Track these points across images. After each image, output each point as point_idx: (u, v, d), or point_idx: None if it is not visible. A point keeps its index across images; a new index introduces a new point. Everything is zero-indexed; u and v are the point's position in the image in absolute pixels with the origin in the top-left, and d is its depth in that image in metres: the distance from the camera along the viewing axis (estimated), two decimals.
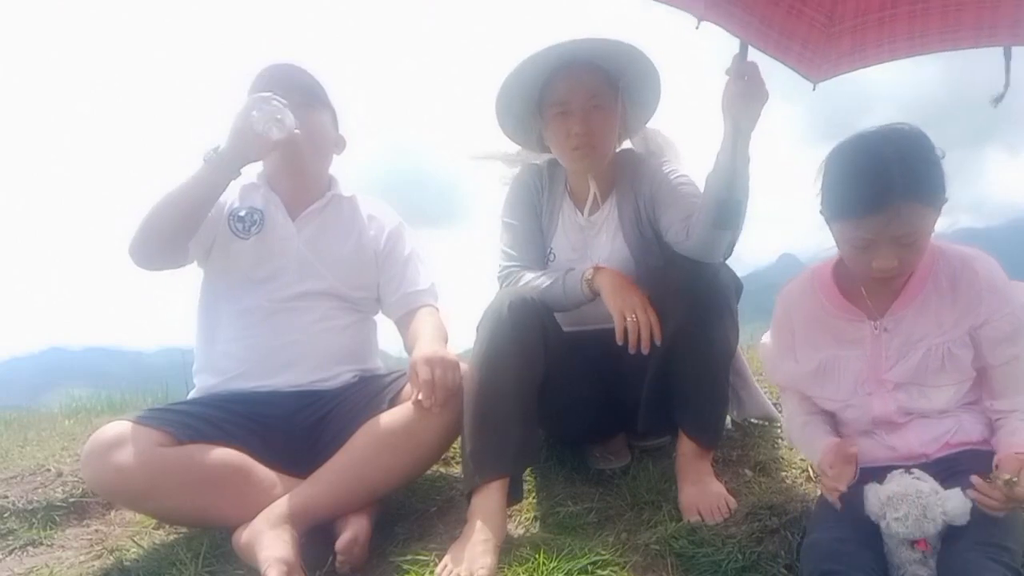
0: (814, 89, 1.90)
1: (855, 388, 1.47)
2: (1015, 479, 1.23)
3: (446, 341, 1.91)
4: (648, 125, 2.04)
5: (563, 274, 1.82)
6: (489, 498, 1.60)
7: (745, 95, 1.53)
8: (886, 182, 1.28)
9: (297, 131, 1.80)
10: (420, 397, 1.69)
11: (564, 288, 1.80)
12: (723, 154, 1.60)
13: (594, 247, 1.95)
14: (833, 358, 1.49)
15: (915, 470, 1.33)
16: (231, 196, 1.99)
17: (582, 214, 1.96)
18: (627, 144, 2.07)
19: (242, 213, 1.96)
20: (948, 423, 1.44)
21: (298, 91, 1.89)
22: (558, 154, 1.93)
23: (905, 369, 1.43)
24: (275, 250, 1.94)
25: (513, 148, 2.10)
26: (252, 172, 2.04)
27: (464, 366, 1.77)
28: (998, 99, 1.65)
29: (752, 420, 2.15)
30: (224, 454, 1.69)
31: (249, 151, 1.79)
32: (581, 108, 1.81)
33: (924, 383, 1.43)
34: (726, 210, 1.60)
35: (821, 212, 1.41)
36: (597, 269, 1.78)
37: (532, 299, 1.75)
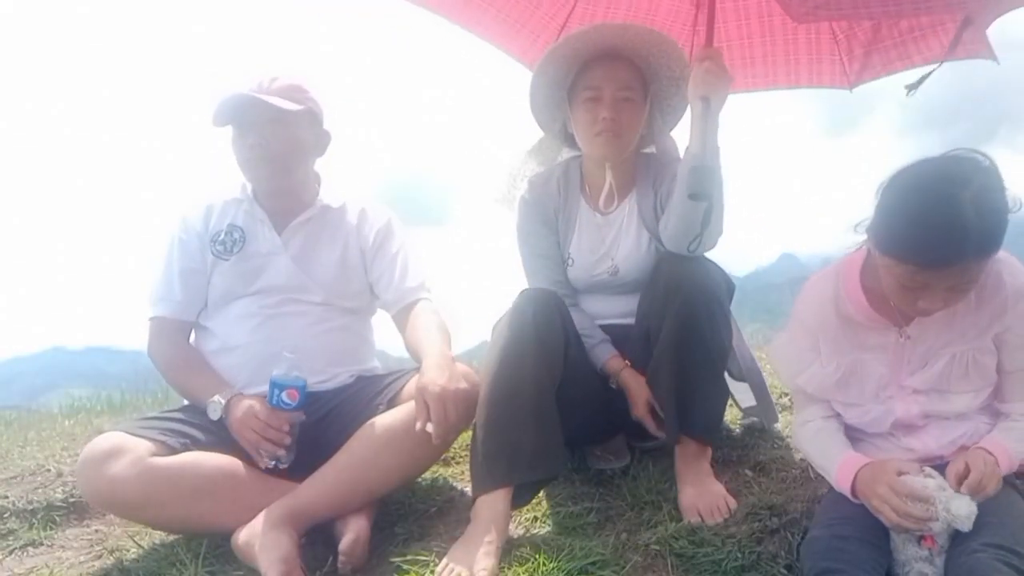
0: (851, 91, 2.31)
1: (877, 392, 1.46)
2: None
3: (450, 342, 1.88)
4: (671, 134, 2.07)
5: (595, 343, 1.91)
6: (496, 502, 1.59)
7: (711, 74, 1.66)
8: (961, 239, 1.17)
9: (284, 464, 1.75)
10: (430, 430, 1.61)
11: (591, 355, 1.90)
12: (695, 135, 1.67)
13: (615, 244, 1.95)
14: (856, 363, 1.46)
15: (926, 468, 1.32)
16: (213, 219, 1.98)
17: (599, 211, 1.97)
18: (651, 150, 2.07)
19: (221, 236, 1.96)
20: (965, 426, 1.43)
21: (264, 111, 1.83)
22: (582, 139, 1.93)
23: (928, 376, 1.42)
24: (260, 265, 1.93)
25: (524, 164, 2.15)
26: (236, 186, 2.02)
27: (466, 368, 1.75)
28: (912, 87, 1.90)
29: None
30: (218, 460, 1.68)
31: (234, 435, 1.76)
32: (612, 96, 1.84)
33: (947, 389, 1.42)
34: (700, 175, 1.62)
35: (868, 233, 1.34)
36: (623, 367, 1.88)
37: (555, 301, 1.75)
